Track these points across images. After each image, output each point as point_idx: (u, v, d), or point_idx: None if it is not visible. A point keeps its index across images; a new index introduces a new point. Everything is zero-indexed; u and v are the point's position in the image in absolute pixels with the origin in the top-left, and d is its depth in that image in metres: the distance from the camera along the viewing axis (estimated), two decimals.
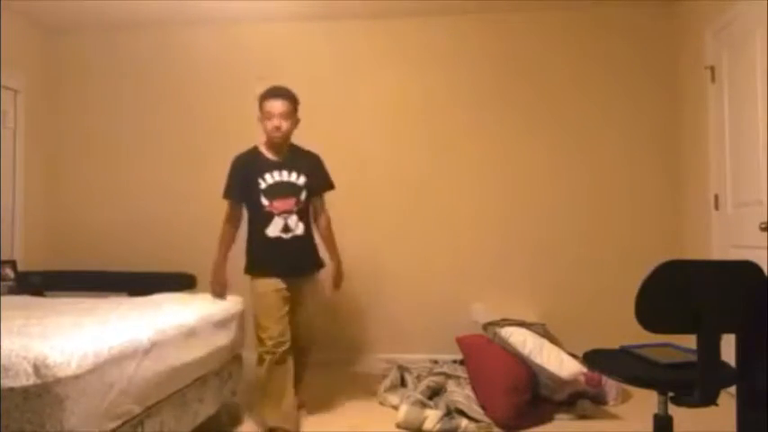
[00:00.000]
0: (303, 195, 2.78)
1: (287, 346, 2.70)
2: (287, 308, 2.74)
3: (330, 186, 2.94)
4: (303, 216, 2.78)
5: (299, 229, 2.76)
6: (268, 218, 2.72)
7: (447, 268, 4.20)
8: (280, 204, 2.72)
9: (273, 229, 2.72)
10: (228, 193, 2.84)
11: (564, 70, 4.19)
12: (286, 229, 2.73)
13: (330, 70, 4.35)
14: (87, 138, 4.57)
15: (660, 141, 4.10)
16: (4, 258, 3.92)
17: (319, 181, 2.88)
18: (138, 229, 4.44)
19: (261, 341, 2.69)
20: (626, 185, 4.12)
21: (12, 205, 4.17)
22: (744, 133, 3.19)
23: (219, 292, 2.79)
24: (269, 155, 2.81)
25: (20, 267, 4.02)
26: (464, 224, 4.22)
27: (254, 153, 2.83)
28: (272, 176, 2.75)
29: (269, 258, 2.75)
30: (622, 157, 4.13)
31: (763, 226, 2.87)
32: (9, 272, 3.85)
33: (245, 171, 2.79)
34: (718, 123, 3.48)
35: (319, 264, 2.93)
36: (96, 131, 4.56)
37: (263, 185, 2.73)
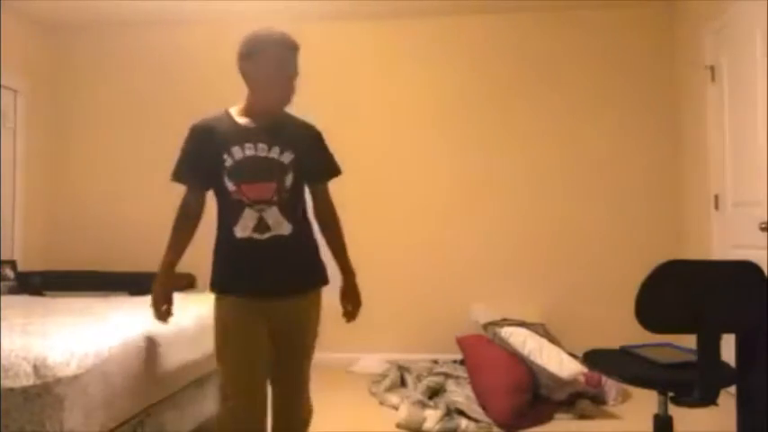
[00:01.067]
0: (289, 179, 1.89)
1: (259, 416, 1.86)
2: (262, 351, 1.91)
3: (336, 171, 2.08)
4: (289, 210, 1.90)
5: (283, 227, 1.88)
6: (236, 210, 1.87)
7: (447, 268, 4.20)
8: (251, 190, 1.86)
9: (243, 227, 1.87)
10: (178, 172, 1.96)
11: (564, 70, 4.19)
12: (261, 226, 1.87)
13: (339, 71, 4.35)
14: (87, 138, 4.57)
15: (660, 141, 4.10)
16: (4, 258, 3.93)
17: (319, 162, 2.03)
18: (138, 229, 4.44)
19: (223, 397, 1.91)
20: (626, 185, 4.12)
21: (12, 205, 4.17)
22: (744, 133, 3.19)
23: (159, 312, 1.91)
24: (243, 120, 1.92)
25: (20, 267, 4.02)
26: (464, 224, 4.22)
27: (221, 118, 1.95)
28: (243, 150, 1.87)
29: (235, 269, 1.91)
30: (622, 156, 4.13)
31: (763, 226, 2.87)
32: (9, 272, 3.86)
33: (208, 142, 1.90)
34: (718, 123, 3.48)
35: (319, 280, 2.06)
36: (96, 131, 4.56)
37: (228, 162, 1.86)
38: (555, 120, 4.20)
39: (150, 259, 4.59)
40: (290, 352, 1.99)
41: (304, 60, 4.77)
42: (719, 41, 3.45)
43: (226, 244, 1.92)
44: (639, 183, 4.11)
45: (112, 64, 4.56)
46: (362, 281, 4.49)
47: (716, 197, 3.51)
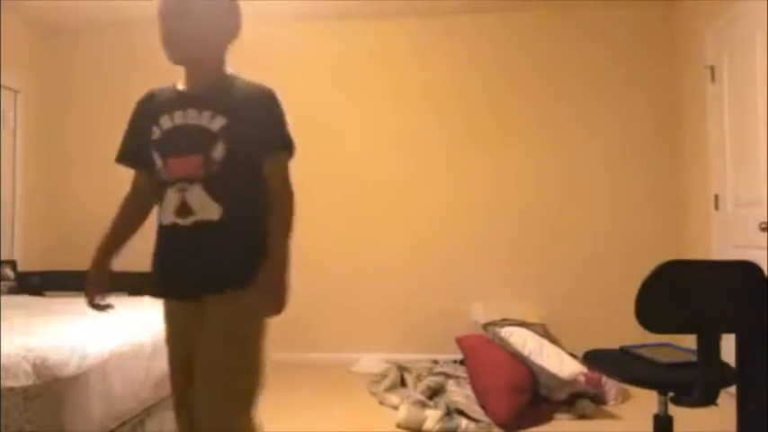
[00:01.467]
0: (219, 151, 1.52)
1: None
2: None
3: (284, 144, 1.62)
4: (219, 189, 1.54)
5: (210, 211, 1.53)
6: (162, 191, 1.59)
7: (447, 268, 4.20)
8: (176, 165, 1.55)
9: (167, 212, 1.57)
10: (119, 152, 1.71)
11: (564, 70, 4.19)
12: (183, 209, 1.54)
13: (327, 70, 4.35)
14: (87, 138, 4.57)
15: (660, 141, 4.10)
16: (4, 258, 3.93)
17: (263, 131, 1.59)
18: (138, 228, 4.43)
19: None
20: (626, 185, 4.12)
21: (12, 205, 4.17)
22: (744, 133, 3.19)
23: (90, 298, 1.64)
24: (182, 87, 1.65)
25: (20, 267, 4.03)
26: (464, 224, 4.22)
27: (166, 88, 1.70)
28: (172, 119, 1.58)
29: (158, 264, 1.63)
30: (622, 156, 4.13)
31: (763, 226, 2.87)
32: (9, 272, 3.86)
33: (144, 115, 1.67)
34: (718, 123, 3.48)
35: (245, 277, 1.54)
36: (96, 131, 4.56)
37: (155, 134, 1.59)
38: (555, 119, 4.19)
39: (150, 259, 4.60)
40: (203, 374, 1.51)
41: (302, 59, 4.76)
42: (720, 41, 3.45)
43: (157, 234, 1.63)
44: (639, 182, 4.11)
45: (112, 64, 4.56)
46: (363, 281, 4.52)
47: (716, 197, 3.51)
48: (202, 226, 1.53)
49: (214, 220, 1.53)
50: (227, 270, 1.54)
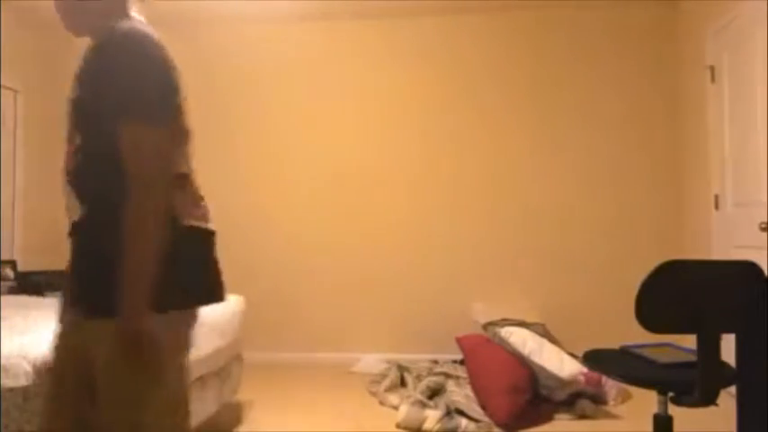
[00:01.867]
0: (81, 132, 1.22)
1: None
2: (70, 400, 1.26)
3: (136, 109, 1.15)
4: (80, 182, 1.22)
5: (74, 210, 1.23)
6: None
7: (447, 268, 4.20)
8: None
9: None
10: None
11: (564, 69, 4.19)
12: (68, 208, 1.27)
13: (323, 70, 4.35)
14: None
15: (660, 141, 4.10)
16: (4, 258, 3.93)
17: (109, 94, 1.16)
18: None
19: None
20: (626, 185, 4.12)
21: (12, 205, 4.17)
22: (744, 133, 3.19)
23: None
24: None
25: (20, 267, 4.03)
26: (464, 224, 4.22)
27: None
28: None
29: None
30: (622, 156, 4.13)
31: (763, 226, 2.87)
32: (9, 272, 3.86)
33: None
34: (718, 123, 3.48)
35: (100, 304, 1.16)
36: None
37: None
38: (557, 119, 4.19)
39: None
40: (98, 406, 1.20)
41: (287, 59, 4.74)
42: (720, 41, 3.45)
43: None
44: (640, 182, 4.11)
45: None
46: (363, 281, 4.51)
47: (716, 197, 3.51)
48: (72, 230, 1.25)
49: (76, 223, 1.23)
50: (81, 287, 1.21)
